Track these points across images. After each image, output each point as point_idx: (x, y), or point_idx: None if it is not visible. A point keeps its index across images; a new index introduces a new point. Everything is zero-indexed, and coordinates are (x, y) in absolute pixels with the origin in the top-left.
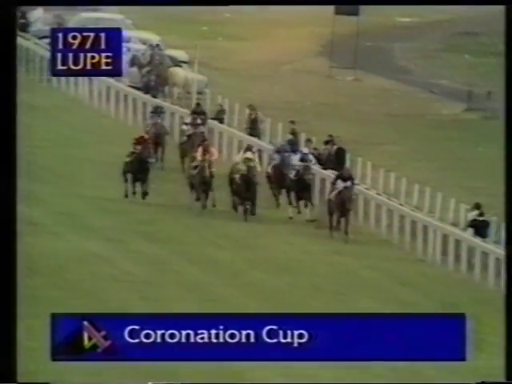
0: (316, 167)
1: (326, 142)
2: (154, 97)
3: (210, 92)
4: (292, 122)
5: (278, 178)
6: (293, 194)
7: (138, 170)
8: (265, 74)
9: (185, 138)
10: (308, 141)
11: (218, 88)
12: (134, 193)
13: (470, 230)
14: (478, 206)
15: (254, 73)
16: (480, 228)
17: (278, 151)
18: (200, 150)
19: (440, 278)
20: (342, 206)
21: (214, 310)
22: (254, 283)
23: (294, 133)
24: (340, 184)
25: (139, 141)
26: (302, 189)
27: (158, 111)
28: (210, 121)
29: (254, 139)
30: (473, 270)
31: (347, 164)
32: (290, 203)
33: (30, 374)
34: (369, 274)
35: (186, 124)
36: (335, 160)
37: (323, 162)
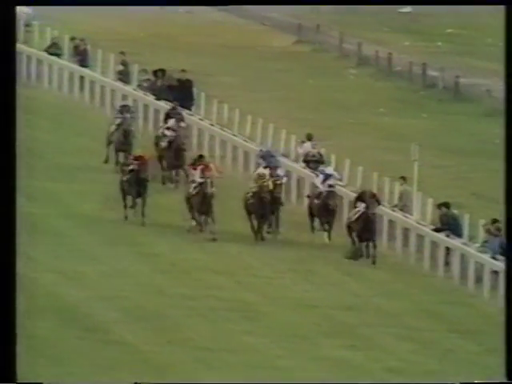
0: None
1: (155, 72)
2: None
3: (38, 24)
4: (122, 53)
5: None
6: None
7: (135, 188)
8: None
9: (165, 144)
10: (143, 71)
11: (46, 20)
12: (133, 208)
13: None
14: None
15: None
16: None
17: (262, 157)
18: (199, 169)
19: None
20: (364, 229)
21: None
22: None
23: (124, 64)
24: (362, 205)
25: (137, 159)
26: (324, 215)
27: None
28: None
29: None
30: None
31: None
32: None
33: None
34: None
35: (168, 129)
36: (179, 94)
37: (157, 93)
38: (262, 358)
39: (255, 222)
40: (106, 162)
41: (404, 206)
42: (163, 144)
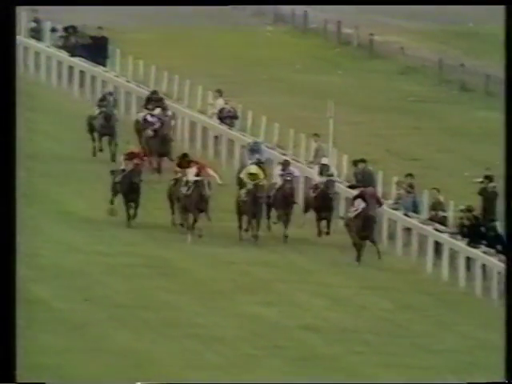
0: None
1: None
2: None
3: None
4: (34, 10)
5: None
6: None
7: (128, 190)
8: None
9: (151, 133)
10: (54, 28)
11: None
12: (129, 216)
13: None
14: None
15: None
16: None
17: (251, 150)
18: (194, 169)
19: None
20: (363, 227)
21: None
22: None
23: (36, 21)
24: (361, 204)
25: (129, 156)
26: (323, 207)
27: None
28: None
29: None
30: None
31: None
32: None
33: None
34: None
35: (153, 116)
36: (94, 51)
37: (70, 50)
38: (178, 314)
39: (246, 222)
40: (95, 154)
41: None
42: (149, 132)
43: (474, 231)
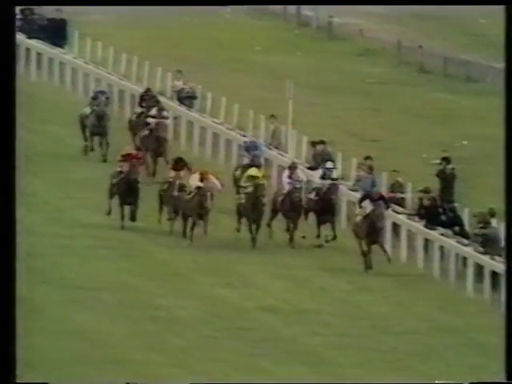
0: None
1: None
2: None
3: None
4: None
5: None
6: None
7: (126, 192)
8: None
9: (146, 132)
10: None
11: None
12: (123, 217)
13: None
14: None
15: None
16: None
17: (246, 148)
18: (196, 175)
19: None
20: (371, 230)
21: None
22: None
23: None
24: (369, 206)
25: (126, 158)
26: (324, 211)
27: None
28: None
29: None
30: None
31: None
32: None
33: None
34: None
35: (152, 117)
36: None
37: (28, 33)
38: (138, 296)
39: (248, 226)
40: (86, 154)
41: (278, 144)
42: (145, 132)
43: (432, 213)
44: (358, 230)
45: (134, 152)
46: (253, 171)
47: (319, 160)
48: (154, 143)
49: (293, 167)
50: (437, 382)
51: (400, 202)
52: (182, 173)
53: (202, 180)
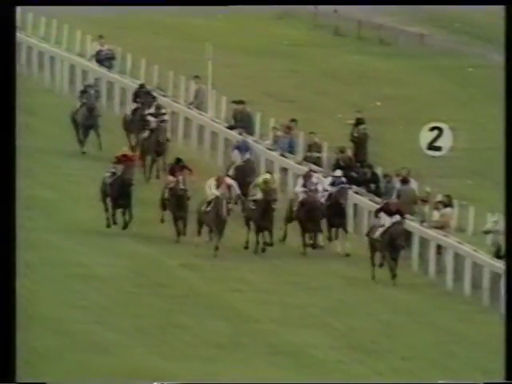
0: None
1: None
2: None
3: None
4: None
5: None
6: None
7: (119, 194)
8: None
9: (146, 134)
10: None
11: None
12: (115, 222)
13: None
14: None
15: None
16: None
17: (238, 147)
18: (212, 181)
19: None
20: (392, 244)
21: None
22: None
23: None
24: (386, 219)
25: (120, 159)
26: (335, 215)
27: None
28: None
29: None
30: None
31: None
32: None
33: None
34: None
35: (151, 115)
36: None
37: None
38: (58, 254)
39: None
40: (83, 152)
41: (200, 104)
42: (145, 134)
43: (348, 171)
44: (375, 244)
45: (129, 154)
46: (267, 176)
47: (239, 119)
48: (154, 146)
49: (307, 176)
50: (439, 381)
51: (316, 162)
52: (181, 177)
53: (218, 186)
